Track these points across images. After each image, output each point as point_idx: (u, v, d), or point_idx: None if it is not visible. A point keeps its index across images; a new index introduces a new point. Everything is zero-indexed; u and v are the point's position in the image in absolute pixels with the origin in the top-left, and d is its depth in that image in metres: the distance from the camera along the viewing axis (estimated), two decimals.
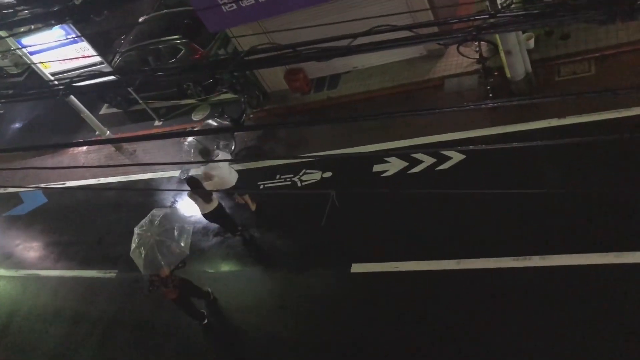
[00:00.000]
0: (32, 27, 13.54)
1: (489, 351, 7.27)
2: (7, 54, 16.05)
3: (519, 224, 8.24)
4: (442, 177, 9.33)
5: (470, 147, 9.19)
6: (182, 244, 8.88)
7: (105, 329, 10.62)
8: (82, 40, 12.62)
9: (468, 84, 10.54)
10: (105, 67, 13.12)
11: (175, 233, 8.90)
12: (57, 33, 12.78)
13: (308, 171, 10.89)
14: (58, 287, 12.03)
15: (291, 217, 10.42)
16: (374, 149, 10.21)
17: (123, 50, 14.14)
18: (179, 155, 11.76)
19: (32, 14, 7.29)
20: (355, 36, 3.45)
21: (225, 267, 10.41)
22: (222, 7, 9.65)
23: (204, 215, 10.06)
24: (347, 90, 11.87)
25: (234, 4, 9.95)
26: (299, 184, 10.78)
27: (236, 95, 12.88)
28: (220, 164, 9.78)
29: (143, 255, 8.72)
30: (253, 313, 9.40)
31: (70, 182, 14.00)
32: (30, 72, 17.52)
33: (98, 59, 13.27)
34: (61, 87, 4.79)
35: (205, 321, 9.63)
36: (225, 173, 10.04)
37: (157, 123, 14.27)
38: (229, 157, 10.55)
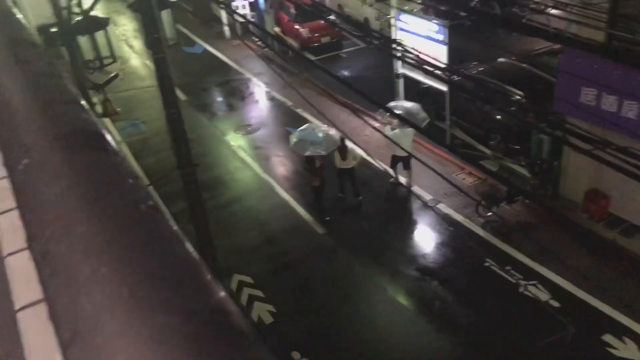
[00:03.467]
0: (416, 9, 14.71)
1: None
2: (381, 18, 17.53)
3: None
4: None
5: None
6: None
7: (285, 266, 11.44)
8: (444, 44, 13.18)
9: None
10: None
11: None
12: (427, 24, 13.58)
13: (539, 286, 10.03)
14: (280, 206, 13.23)
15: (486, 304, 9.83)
16: (618, 318, 9.00)
17: (466, 71, 14.41)
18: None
19: None
20: None
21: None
22: (584, 96, 9.21)
23: (338, 169, 12.18)
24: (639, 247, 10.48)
25: (594, 101, 9.44)
26: (519, 289, 10.04)
27: (528, 175, 12.31)
28: (405, 134, 11.96)
29: (299, 137, 11.57)
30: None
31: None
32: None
33: (441, 66, 13.75)
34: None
35: (328, 218, 12.08)
36: (406, 142, 11.59)
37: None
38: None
